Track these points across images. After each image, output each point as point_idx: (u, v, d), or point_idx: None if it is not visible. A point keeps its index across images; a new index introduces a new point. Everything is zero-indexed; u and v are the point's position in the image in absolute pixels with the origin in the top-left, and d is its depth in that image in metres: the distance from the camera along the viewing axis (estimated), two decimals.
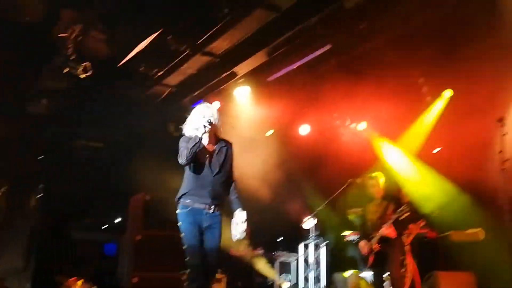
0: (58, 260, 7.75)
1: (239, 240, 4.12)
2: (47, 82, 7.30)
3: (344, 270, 7.12)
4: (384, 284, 5.89)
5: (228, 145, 4.32)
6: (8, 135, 7.78)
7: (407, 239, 6.05)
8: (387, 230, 5.85)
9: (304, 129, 8.93)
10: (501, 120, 5.05)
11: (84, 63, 6.55)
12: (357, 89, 6.92)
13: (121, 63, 7.10)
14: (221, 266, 7.71)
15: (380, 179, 6.26)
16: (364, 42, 6.49)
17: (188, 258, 3.99)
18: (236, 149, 4.36)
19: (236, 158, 4.35)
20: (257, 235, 7.93)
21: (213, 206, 4.06)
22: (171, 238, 7.62)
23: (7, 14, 5.96)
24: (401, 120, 7.66)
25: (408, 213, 5.89)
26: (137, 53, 6.85)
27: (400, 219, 5.83)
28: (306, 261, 8.78)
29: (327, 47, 6.65)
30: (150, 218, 7.30)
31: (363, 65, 6.86)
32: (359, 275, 6.68)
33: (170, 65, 7.40)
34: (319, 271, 8.56)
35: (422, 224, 6.40)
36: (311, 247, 8.71)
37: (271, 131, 9.14)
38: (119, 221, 9.00)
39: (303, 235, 8.68)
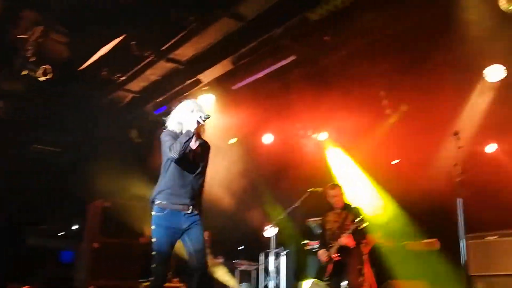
0: (12, 267, 7.50)
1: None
2: (3, 84, 7.09)
3: (304, 279, 7.16)
4: None
5: (208, 146, 4.22)
6: None
7: (365, 249, 6.15)
8: (346, 240, 5.93)
9: (267, 138, 8.96)
10: (456, 133, 5.19)
11: (44, 66, 6.39)
12: (321, 100, 6.98)
13: (82, 67, 6.97)
14: (180, 275, 7.65)
15: (342, 188, 6.38)
16: (328, 54, 6.57)
17: (154, 265, 3.79)
18: None
19: None
20: (217, 243, 7.91)
21: (191, 207, 3.91)
22: (130, 246, 7.56)
23: None
24: (362, 131, 7.79)
25: (367, 223, 6.02)
26: (100, 57, 6.74)
27: (358, 228, 5.95)
28: (266, 269, 8.77)
29: (292, 57, 6.71)
30: (108, 225, 7.18)
31: (328, 76, 6.92)
32: (318, 283, 6.73)
33: (134, 71, 7.32)
34: (279, 279, 8.57)
35: (379, 234, 6.55)
36: (272, 256, 8.73)
37: (234, 139, 9.13)
38: (77, 228, 8.79)
39: (264, 243, 8.68)
